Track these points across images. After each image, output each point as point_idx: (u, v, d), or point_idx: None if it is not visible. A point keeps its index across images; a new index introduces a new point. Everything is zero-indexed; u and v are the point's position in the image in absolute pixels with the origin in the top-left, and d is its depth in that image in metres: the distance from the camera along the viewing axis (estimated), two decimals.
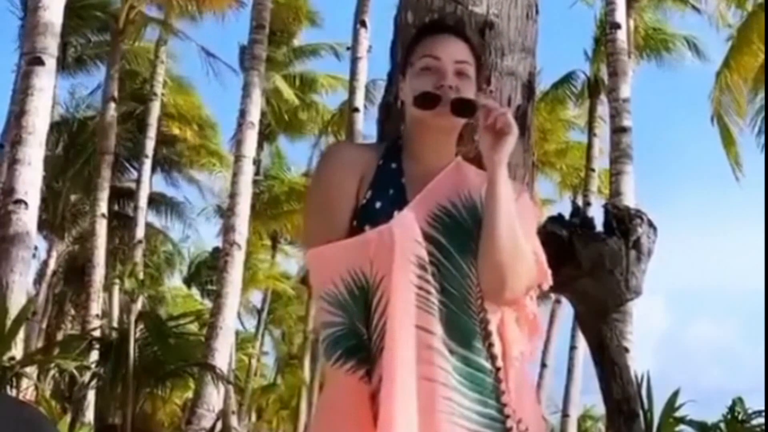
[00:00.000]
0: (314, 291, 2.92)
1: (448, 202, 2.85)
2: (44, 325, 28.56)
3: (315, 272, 2.90)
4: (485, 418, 2.75)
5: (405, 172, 2.93)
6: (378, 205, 2.86)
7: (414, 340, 2.71)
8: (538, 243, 2.97)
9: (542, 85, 26.70)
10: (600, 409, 30.56)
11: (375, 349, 2.76)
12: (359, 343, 2.79)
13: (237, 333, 25.95)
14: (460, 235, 2.83)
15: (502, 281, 2.78)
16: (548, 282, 2.97)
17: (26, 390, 10.04)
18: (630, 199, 14.85)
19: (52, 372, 10.98)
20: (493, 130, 2.79)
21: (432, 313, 2.75)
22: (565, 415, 24.93)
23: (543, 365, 26.39)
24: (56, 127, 24.15)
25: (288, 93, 30.77)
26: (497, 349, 2.82)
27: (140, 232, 24.04)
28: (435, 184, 2.87)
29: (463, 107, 2.86)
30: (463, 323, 2.78)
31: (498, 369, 2.80)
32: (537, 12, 3.99)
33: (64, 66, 23.98)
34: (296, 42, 32.36)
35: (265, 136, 30.34)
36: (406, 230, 2.79)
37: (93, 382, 10.82)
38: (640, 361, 14.63)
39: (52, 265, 28.97)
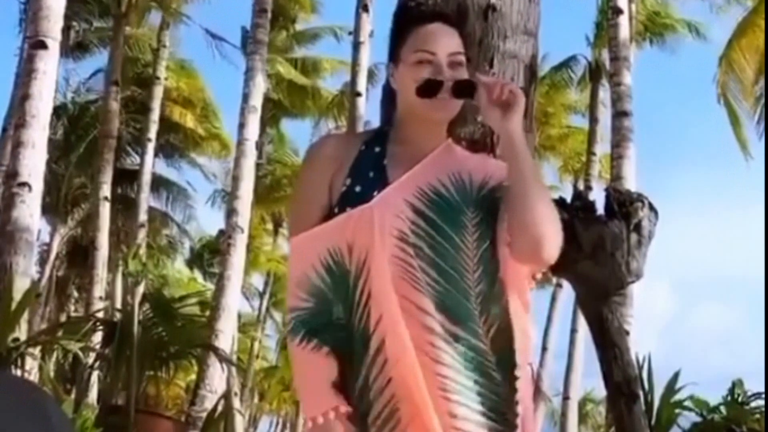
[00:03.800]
0: (290, 278, 2.96)
1: (437, 180, 2.88)
2: (47, 308, 28.62)
3: (293, 260, 2.96)
4: (477, 395, 2.77)
5: (388, 154, 2.95)
6: (358, 188, 2.88)
7: (402, 314, 2.75)
8: None
9: (543, 70, 26.76)
10: (600, 393, 30.64)
11: (360, 326, 2.80)
12: (325, 323, 2.84)
13: (240, 316, 26.00)
14: (450, 211, 2.85)
15: (539, 238, 2.80)
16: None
17: (30, 371, 10.09)
18: (631, 183, 14.88)
19: (55, 354, 11.02)
20: (500, 103, 2.82)
21: (418, 287, 2.78)
22: (565, 398, 24.98)
23: (544, 348, 26.44)
24: (56, 111, 24.14)
25: (292, 73, 30.76)
26: (494, 324, 2.84)
27: (143, 216, 24.07)
28: (423, 165, 2.90)
29: (464, 88, 2.88)
30: (456, 300, 2.80)
31: (492, 343, 2.82)
32: None
33: (66, 50, 23.98)
34: (297, 27, 32.38)
35: (268, 120, 30.35)
36: (387, 206, 2.82)
37: (97, 364, 10.86)
38: (644, 345, 14.75)
39: (55, 248, 29.01)
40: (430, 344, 2.75)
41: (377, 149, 2.97)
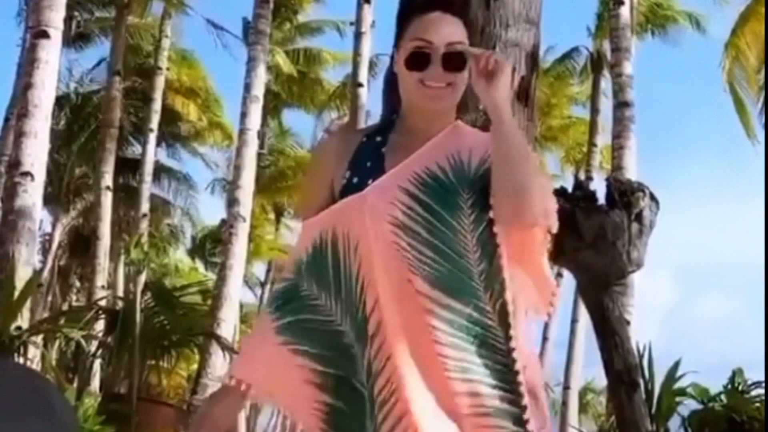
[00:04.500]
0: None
1: (435, 164, 2.87)
2: (49, 298, 28.64)
3: (295, 245, 3.04)
4: (493, 371, 2.78)
5: (388, 143, 2.97)
6: (355, 180, 2.91)
7: (401, 299, 2.77)
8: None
9: (546, 61, 26.81)
10: (601, 382, 30.66)
11: (358, 312, 2.82)
12: (292, 297, 2.93)
13: (241, 305, 26.02)
14: (445, 194, 2.84)
15: (520, 198, 2.77)
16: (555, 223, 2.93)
17: (32, 359, 10.11)
18: (632, 173, 14.91)
19: (57, 342, 11.04)
20: (486, 73, 2.82)
21: (414, 270, 2.78)
22: (566, 387, 25.02)
23: (544, 338, 26.44)
24: (58, 101, 24.11)
25: (288, 67, 30.76)
26: (498, 300, 2.84)
27: (145, 206, 24.06)
28: (423, 151, 2.89)
29: (454, 60, 2.88)
30: (458, 279, 2.81)
31: (498, 317, 2.83)
32: None
33: (67, 40, 24.00)
34: (300, 18, 32.41)
35: (269, 111, 30.37)
36: (381, 193, 2.84)
37: (99, 352, 10.88)
38: (645, 334, 14.76)
39: (57, 237, 29.05)
40: (431, 326, 2.76)
41: (378, 139, 3.00)
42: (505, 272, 2.85)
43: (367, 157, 2.95)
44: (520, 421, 2.77)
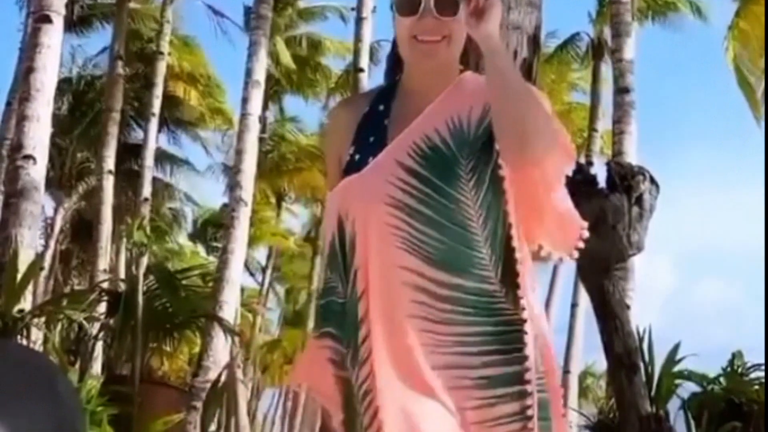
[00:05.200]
0: None
1: (434, 131, 2.81)
2: (51, 282, 28.66)
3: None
4: (492, 336, 2.76)
5: (392, 111, 2.92)
6: (357, 157, 2.86)
7: (390, 281, 2.75)
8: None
9: (547, 47, 26.80)
10: (601, 367, 30.76)
11: (351, 298, 2.81)
12: (322, 288, 2.95)
13: (243, 290, 26.04)
14: (443, 164, 2.78)
15: (522, 132, 2.69)
16: (572, 158, 2.87)
17: (35, 342, 10.13)
18: (632, 158, 14.88)
19: (60, 325, 11.05)
20: (476, 11, 2.72)
21: (414, 252, 2.74)
22: (566, 371, 25.03)
23: None
24: (60, 87, 24.05)
25: (287, 59, 30.76)
26: (501, 258, 2.80)
27: (147, 191, 24.02)
28: (423, 116, 2.83)
29: (446, 4, 2.80)
30: (458, 252, 2.77)
31: (503, 276, 2.79)
32: None
33: (69, 25, 23.99)
34: (301, 4, 32.40)
35: (271, 95, 30.39)
36: (378, 172, 2.79)
37: (101, 334, 10.90)
38: (644, 319, 14.76)
39: (59, 222, 29.07)
40: (425, 304, 2.74)
41: (381, 107, 2.95)
42: (511, 218, 2.82)
43: (369, 131, 2.91)
44: (521, 379, 2.76)
